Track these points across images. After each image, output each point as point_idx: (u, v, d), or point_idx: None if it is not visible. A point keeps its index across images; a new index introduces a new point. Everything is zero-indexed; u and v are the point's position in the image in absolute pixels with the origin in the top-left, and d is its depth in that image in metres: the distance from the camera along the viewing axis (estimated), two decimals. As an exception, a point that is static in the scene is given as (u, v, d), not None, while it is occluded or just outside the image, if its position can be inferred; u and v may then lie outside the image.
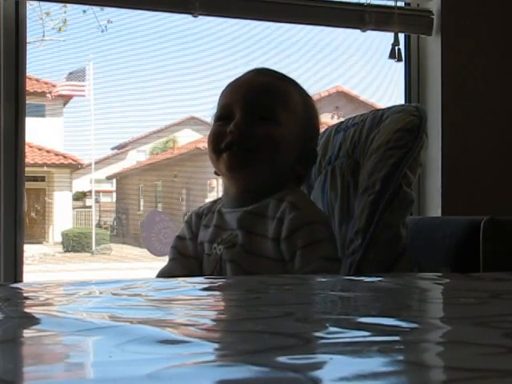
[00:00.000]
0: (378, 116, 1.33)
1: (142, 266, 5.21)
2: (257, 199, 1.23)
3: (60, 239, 5.86)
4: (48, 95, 4.86)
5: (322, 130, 1.39)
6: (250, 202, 1.24)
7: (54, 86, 4.93)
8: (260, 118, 1.24)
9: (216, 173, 1.32)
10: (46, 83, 5.04)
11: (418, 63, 2.43)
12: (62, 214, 5.91)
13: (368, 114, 1.37)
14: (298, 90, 1.32)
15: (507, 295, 0.71)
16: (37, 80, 4.95)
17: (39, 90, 5.15)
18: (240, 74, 1.35)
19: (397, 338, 0.49)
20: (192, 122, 6.12)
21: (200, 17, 2.12)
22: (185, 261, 1.30)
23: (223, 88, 1.34)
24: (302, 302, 0.70)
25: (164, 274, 1.29)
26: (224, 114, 1.27)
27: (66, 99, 5.34)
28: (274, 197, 1.22)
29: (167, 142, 6.14)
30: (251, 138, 1.23)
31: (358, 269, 1.18)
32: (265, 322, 0.57)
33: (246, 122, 1.23)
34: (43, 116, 5.48)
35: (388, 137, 1.26)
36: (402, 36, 2.38)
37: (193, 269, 1.27)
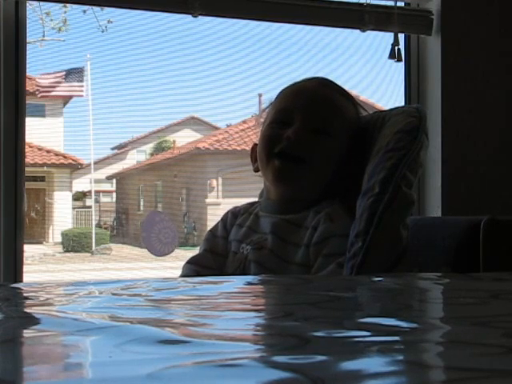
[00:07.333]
0: (380, 119, 1.32)
1: (141, 266, 5.21)
2: (297, 209, 1.27)
3: (60, 239, 5.86)
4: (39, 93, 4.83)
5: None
6: (290, 210, 1.28)
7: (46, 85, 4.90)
8: (316, 130, 1.28)
9: (256, 170, 1.35)
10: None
11: (418, 63, 2.43)
12: (61, 214, 5.90)
13: (371, 117, 1.36)
14: (355, 107, 1.36)
15: (507, 295, 0.71)
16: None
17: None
18: (301, 79, 1.37)
19: (397, 338, 0.49)
20: (192, 121, 6.12)
21: (200, 17, 2.12)
22: (215, 257, 1.33)
23: (283, 88, 1.36)
24: (302, 301, 0.70)
25: (193, 260, 1.32)
26: (281, 118, 1.30)
27: (65, 99, 5.33)
28: (313, 209, 1.26)
29: (161, 142, 6.14)
30: (305, 148, 1.26)
31: (359, 271, 1.18)
32: (265, 322, 0.57)
33: (304, 131, 1.26)
34: (43, 116, 5.47)
35: (387, 139, 1.26)
36: (401, 36, 2.38)
37: (221, 266, 1.30)
